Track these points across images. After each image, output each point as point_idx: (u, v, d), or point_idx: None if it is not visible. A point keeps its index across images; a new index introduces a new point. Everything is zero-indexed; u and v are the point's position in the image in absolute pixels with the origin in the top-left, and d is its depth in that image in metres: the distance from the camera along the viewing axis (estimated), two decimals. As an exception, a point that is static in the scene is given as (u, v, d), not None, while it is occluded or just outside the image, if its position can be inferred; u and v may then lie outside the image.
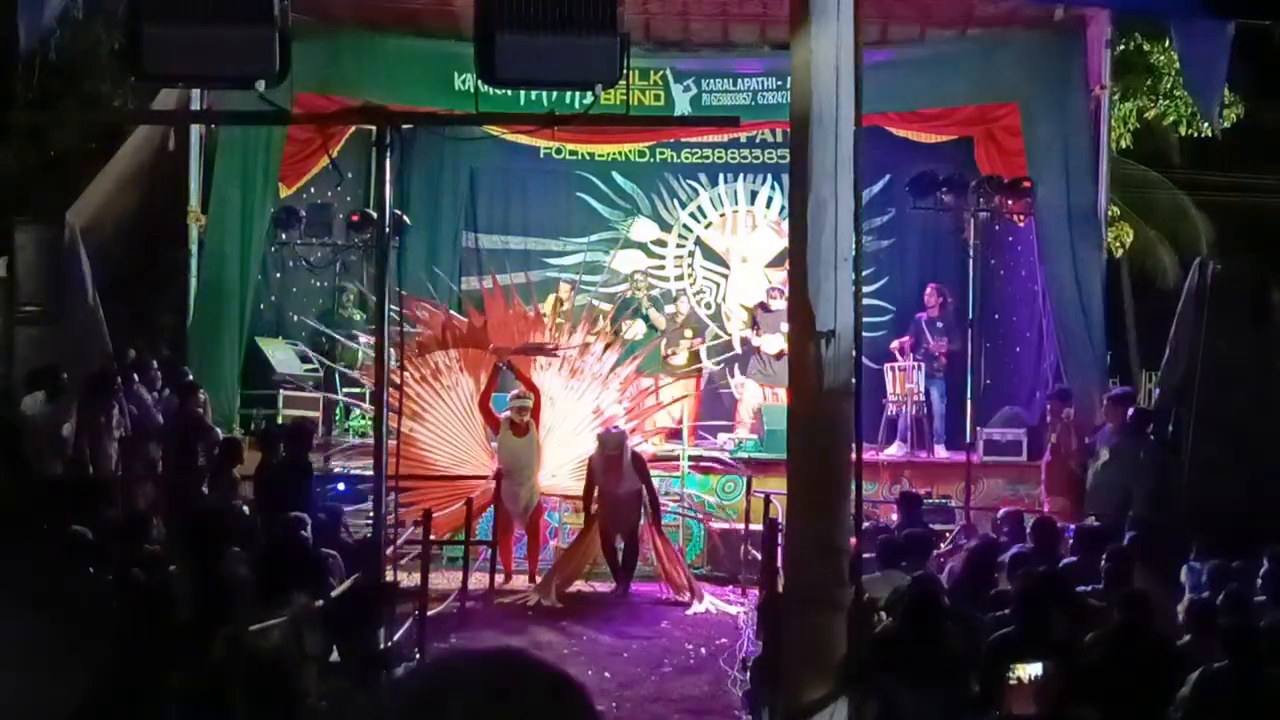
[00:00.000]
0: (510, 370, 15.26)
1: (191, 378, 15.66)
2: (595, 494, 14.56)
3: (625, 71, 6.75)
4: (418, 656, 9.96)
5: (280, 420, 16.34)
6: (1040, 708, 7.67)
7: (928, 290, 17.76)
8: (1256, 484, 13.18)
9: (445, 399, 15.63)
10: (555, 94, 8.96)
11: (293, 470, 14.02)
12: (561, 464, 15.53)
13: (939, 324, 17.44)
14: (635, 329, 18.20)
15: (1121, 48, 18.64)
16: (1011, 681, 7.73)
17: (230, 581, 8.57)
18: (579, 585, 14.68)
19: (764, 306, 18.07)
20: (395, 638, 8.89)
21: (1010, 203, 16.12)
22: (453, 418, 15.61)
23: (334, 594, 8.12)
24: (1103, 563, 9.81)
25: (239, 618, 7.80)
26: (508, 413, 14.90)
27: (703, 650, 12.47)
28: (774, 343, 17.17)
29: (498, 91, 8.00)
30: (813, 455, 6.95)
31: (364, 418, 16.38)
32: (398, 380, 15.24)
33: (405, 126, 8.66)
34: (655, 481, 14.84)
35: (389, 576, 9.86)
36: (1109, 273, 18.00)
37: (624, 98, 7.42)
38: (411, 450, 15.13)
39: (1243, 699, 7.58)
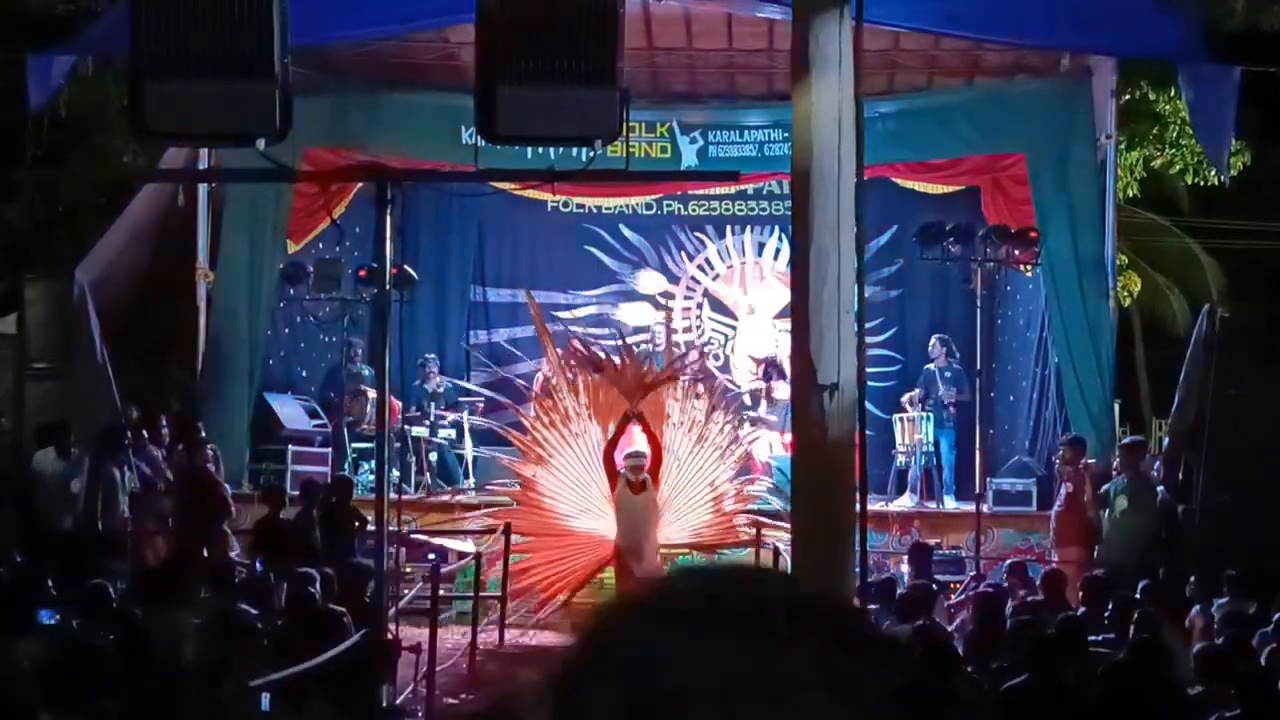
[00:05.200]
0: (639, 422, 14.96)
1: (204, 433, 15.65)
2: None
3: (625, 126, 6.76)
4: (420, 714, 9.92)
5: (289, 476, 16.33)
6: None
7: (932, 341, 17.77)
8: (1268, 529, 13.11)
9: (572, 445, 15.22)
10: (559, 148, 9.00)
11: (302, 525, 14.06)
12: (677, 526, 15.16)
13: (946, 374, 17.42)
14: None
15: (1127, 96, 18.69)
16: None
17: (234, 635, 8.54)
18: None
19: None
20: (401, 695, 8.86)
21: (1018, 252, 16.13)
22: (578, 465, 15.18)
23: (336, 650, 8.08)
24: (1110, 611, 9.77)
25: (243, 672, 7.77)
26: (624, 470, 14.53)
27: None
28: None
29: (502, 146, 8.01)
30: (818, 507, 6.92)
31: (371, 473, 16.34)
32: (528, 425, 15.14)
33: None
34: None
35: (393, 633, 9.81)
36: (1118, 320, 17.98)
37: (628, 150, 7.43)
38: (532, 496, 15.03)
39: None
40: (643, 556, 14.49)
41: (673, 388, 15.46)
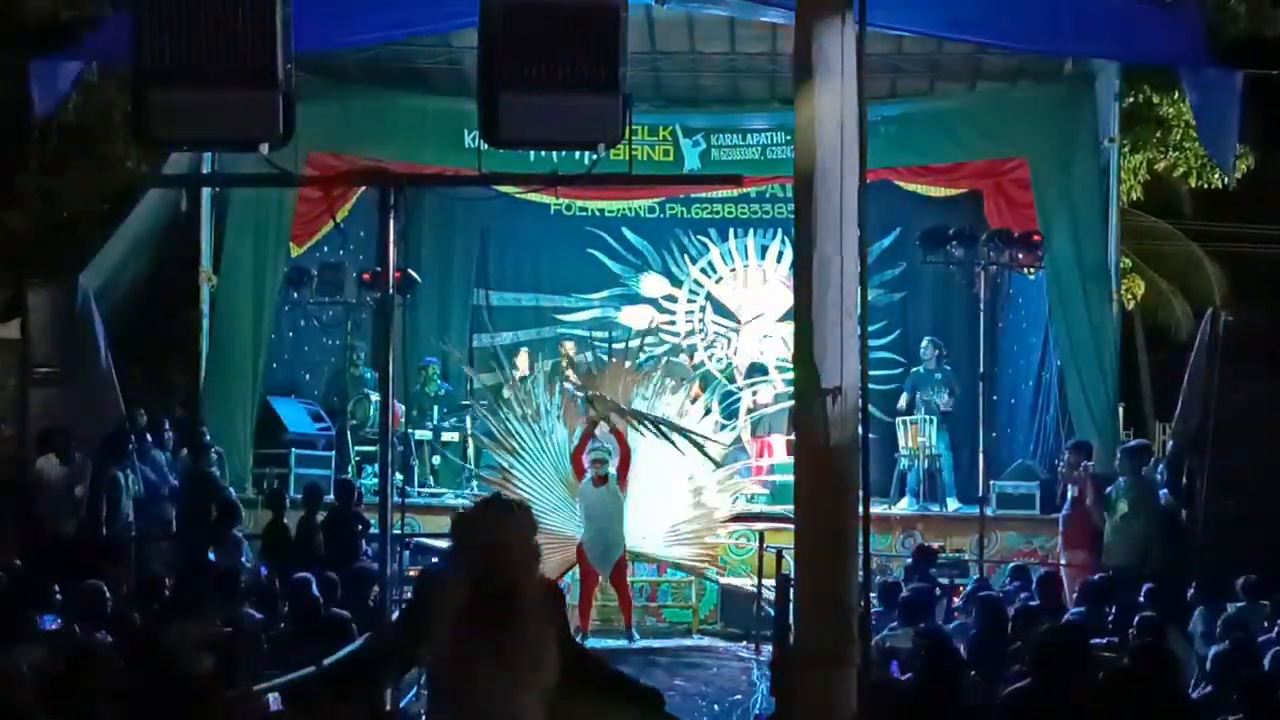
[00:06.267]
0: (606, 424, 15.01)
1: (207, 438, 15.68)
2: None
3: (628, 131, 6.78)
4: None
5: (293, 479, 16.36)
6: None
7: (924, 343, 17.79)
8: (1271, 534, 13.11)
9: (542, 443, 15.32)
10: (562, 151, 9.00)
11: (306, 530, 14.07)
12: (652, 528, 15.22)
13: (936, 376, 17.41)
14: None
15: (1130, 100, 18.70)
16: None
17: (238, 641, 8.54)
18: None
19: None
20: (405, 700, 8.84)
21: (1021, 256, 16.14)
22: (548, 464, 15.29)
23: (338, 656, 8.07)
24: (1113, 615, 9.78)
25: (245, 678, 7.78)
26: (588, 465, 14.64)
27: (716, 707, 12.41)
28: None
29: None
30: (820, 512, 6.91)
31: (375, 476, 16.35)
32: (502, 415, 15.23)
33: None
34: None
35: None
36: (1121, 324, 17.98)
37: (631, 154, 7.43)
38: (508, 486, 15.08)
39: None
40: (605, 551, 14.54)
41: (641, 387, 15.46)
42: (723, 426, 16.14)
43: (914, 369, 17.84)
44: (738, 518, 15.70)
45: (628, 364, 15.71)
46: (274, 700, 7.94)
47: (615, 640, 14.66)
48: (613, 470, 14.58)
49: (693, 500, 15.37)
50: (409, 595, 5.81)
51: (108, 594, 9.76)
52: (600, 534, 14.54)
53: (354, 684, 7.14)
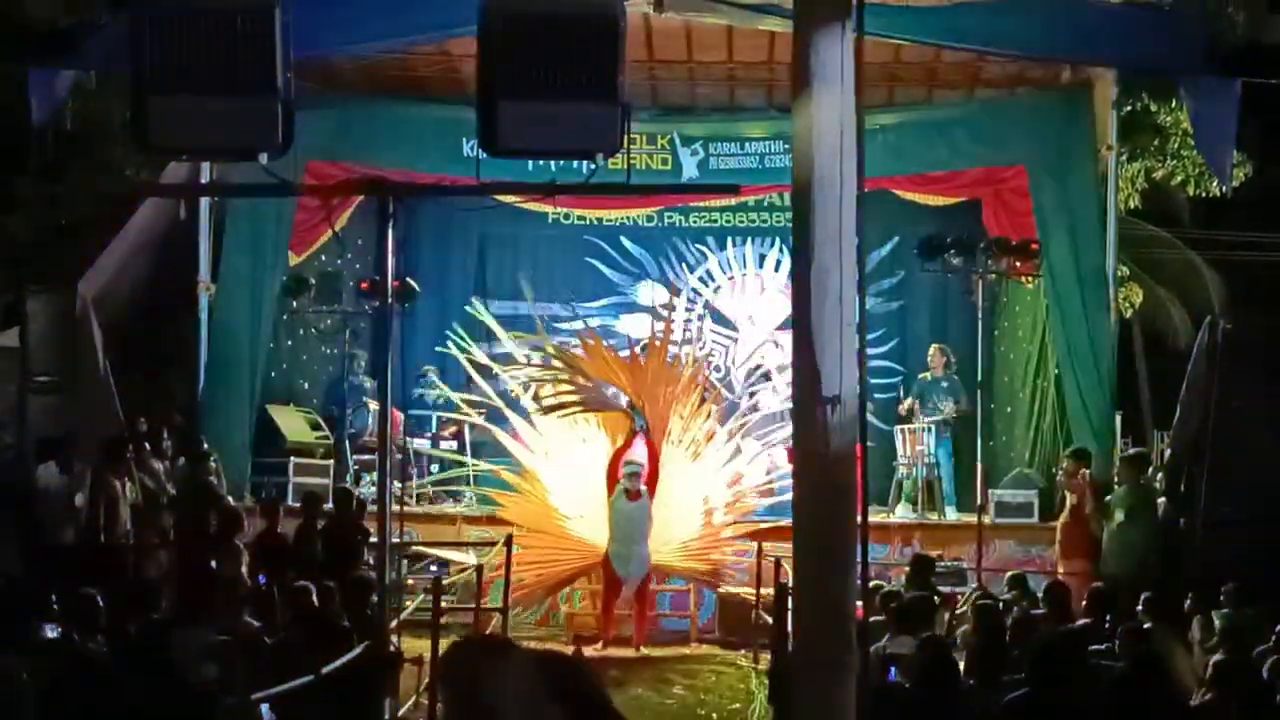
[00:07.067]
0: (644, 433, 15.06)
1: (206, 446, 15.68)
2: None
3: (626, 140, 6.79)
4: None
5: (291, 488, 16.35)
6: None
7: (931, 351, 17.78)
8: (1270, 541, 13.11)
9: (580, 448, 15.42)
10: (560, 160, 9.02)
11: (303, 538, 14.05)
12: (667, 541, 15.27)
13: (944, 384, 17.42)
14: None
15: (1128, 108, 18.70)
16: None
17: (238, 650, 8.55)
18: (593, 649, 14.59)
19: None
20: (403, 708, 8.87)
21: (1019, 264, 16.14)
22: (585, 468, 15.35)
23: (337, 664, 8.09)
24: (1111, 623, 9.78)
25: (244, 684, 7.78)
26: (622, 478, 14.71)
27: (714, 716, 12.40)
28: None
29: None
30: (819, 520, 6.92)
31: (372, 484, 16.32)
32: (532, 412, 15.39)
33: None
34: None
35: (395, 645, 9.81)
36: (1119, 332, 17.97)
37: (629, 163, 7.44)
38: (533, 487, 15.10)
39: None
40: (630, 564, 14.59)
41: (680, 405, 15.51)
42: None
43: (921, 375, 17.83)
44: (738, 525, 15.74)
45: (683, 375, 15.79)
46: (266, 711, 7.95)
47: (619, 650, 14.67)
48: (644, 485, 14.64)
49: (702, 520, 15.43)
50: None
51: (102, 602, 9.75)
52: (628, 548, 14.63)
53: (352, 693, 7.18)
